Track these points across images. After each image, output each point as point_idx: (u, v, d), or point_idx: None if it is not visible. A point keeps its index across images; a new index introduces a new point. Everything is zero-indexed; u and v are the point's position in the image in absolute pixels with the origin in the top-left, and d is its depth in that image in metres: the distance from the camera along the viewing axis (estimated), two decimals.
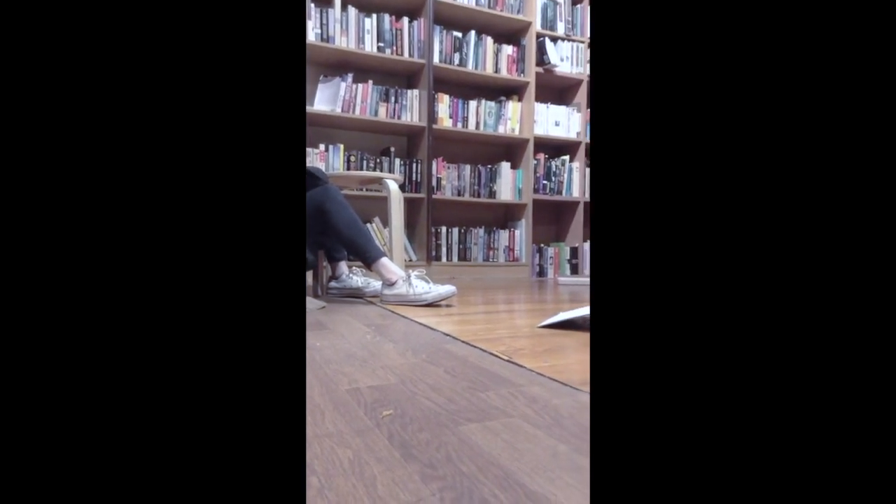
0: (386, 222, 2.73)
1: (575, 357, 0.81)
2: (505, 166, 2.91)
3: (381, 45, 2.57)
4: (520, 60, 2.93)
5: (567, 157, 3.08)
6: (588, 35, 3.09)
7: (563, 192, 3.08)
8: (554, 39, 3.00)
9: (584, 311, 1.10)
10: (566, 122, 3.05)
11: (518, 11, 2.91)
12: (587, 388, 0.62)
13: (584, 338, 0.97)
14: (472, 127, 2.82)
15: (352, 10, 2.49)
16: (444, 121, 2.74)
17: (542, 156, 3.01)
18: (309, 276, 1.95)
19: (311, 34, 2.41)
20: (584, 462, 0.41)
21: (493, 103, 2.87)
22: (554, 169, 3.06)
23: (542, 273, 3.09)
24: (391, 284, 1.48)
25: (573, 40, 3.04)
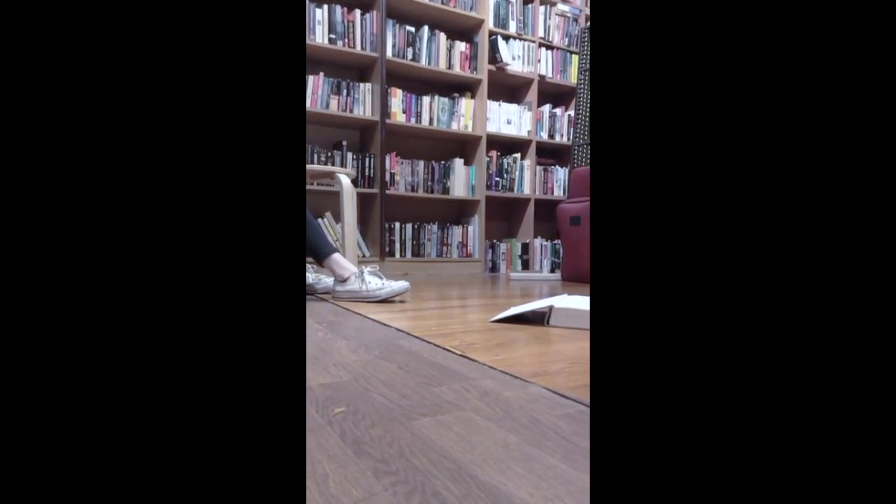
0: (338, 217, 2.69)
1: (525, 350, 0.82)
2: (458, 163, 2.92)
3: (332, 36, 2.52)
4: (473, 57, 2.95)
5: (518, 155, 3.14)
6: (539, 35, 3.15)
7: (515, 189, 3.13)
8: (506, 38, 3.04)
9: (535, 305, 1.13)
10: (518, 120, 3.11)
11: (471, 8, 2.92)
12: (537, 381, 0.64)
13: (534, 331, 0.99)
14: (425, 122, 2.81)
15: None
16: (398, 115, 2.72)
17: (494, 153, 3.05)
18: None
19: None
20: (534, 452, 0.43)
21: (446, 99, 2.87)
22: (506, 166, 3.10)
23: (494, 269, 3.14)
24: (343, 281, 1.46)
25: (524, 39, 3.09)
